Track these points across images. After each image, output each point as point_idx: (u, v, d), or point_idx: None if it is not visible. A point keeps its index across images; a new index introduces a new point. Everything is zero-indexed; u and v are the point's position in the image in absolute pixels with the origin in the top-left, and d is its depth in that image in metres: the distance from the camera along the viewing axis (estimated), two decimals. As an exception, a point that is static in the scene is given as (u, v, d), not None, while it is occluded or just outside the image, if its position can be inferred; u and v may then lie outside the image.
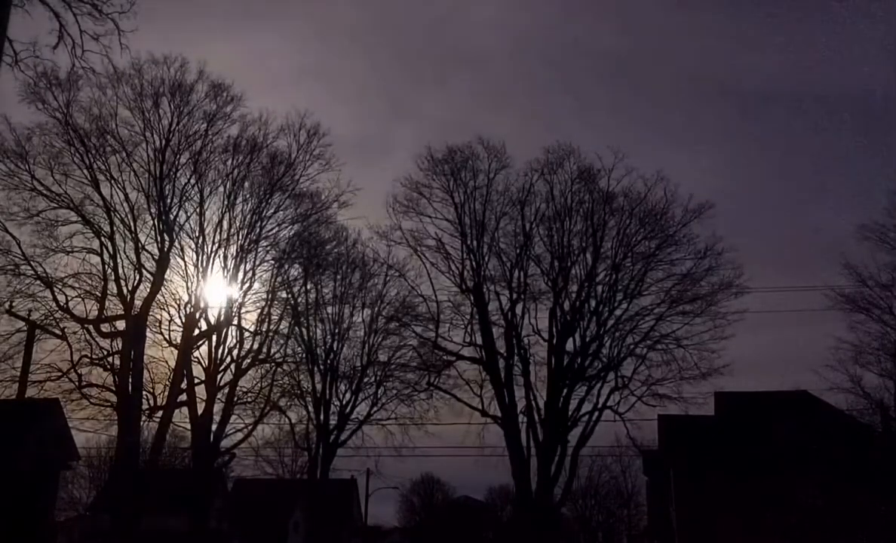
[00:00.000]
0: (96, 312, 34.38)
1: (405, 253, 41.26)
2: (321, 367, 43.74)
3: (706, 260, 38.10)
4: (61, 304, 33.58)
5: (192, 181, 37.03)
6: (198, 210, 37.34)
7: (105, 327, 34.87)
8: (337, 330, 44.21)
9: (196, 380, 37.10)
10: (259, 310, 39.40)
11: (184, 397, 36.38)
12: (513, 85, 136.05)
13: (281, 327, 40.88)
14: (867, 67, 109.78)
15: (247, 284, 38.68)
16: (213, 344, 37.77)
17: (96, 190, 34.71)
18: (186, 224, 37.33)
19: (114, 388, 34.01)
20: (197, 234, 37.41)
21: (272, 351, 40.13)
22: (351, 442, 43.74)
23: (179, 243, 37.25)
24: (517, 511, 49.45)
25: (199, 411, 36.78)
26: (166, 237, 36.06)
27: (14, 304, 31.19)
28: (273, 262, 39.90)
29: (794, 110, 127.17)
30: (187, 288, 37.24)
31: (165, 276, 36.35)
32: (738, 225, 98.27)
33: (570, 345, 39.55)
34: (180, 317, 37.32)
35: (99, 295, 34.43)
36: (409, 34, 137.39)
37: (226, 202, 37.70)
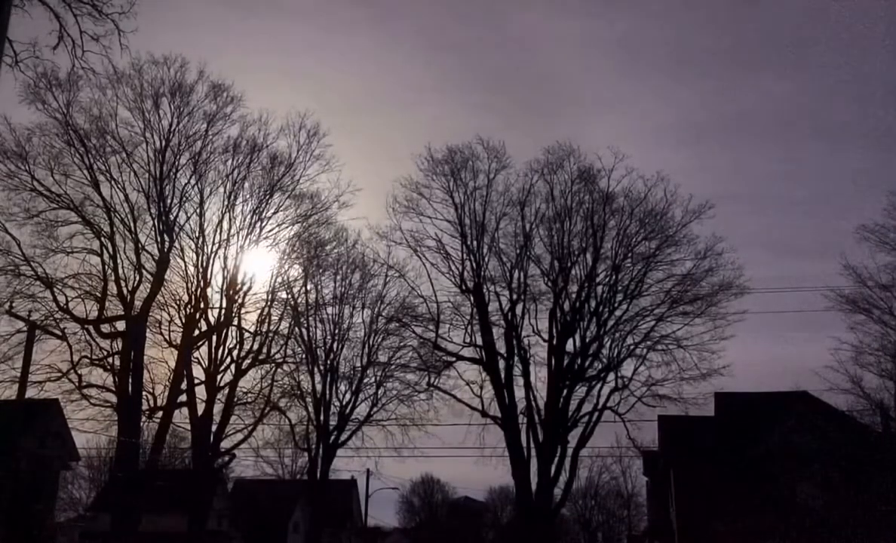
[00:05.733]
0: (96, 313, 34.44)
1: (405, 253, 41.29)
2: (321, 368, 43.74)
3: (706, 260, 38.14)
4: (61, 305, 33.67)
5: (192, 181, 37.20)
6: (198, 210, 37.48)
7: (105, 327, 34.94)
8: (337, 331, 44.25)
9: (196, 381, 37.18)
10: (259, 311, 39.50)
11: (184, 397, 36.43)
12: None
13: (281, 327, 41.00)
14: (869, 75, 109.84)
15: (247, 285, 38.78)
16: (213, 344, 37.85)
17: (96, 190, 34.80)
18: (186, 224, 37.50)
19: (114, 389, 34.07)
20: (197, 235, 37.53)
21: (272, 351, 40.21)
22: (351, 443, 43.87)
23: (179, 244, 37.38)
24: (517, 511, 49.39)
25: (199, 411, 36.83)
26: (166, 237, 36.11)
27: (14, 305, 31.28)
28: (273, 263, 39.99)
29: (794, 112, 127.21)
30: (187, 289, 37.32)
31: (165, 277, 36.43)
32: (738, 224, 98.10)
33: (570, 346, 39.56)
34: (180, 318, 37.39)
35: (99, 295, 34.51)
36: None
37: (226, 202, 37.86)
